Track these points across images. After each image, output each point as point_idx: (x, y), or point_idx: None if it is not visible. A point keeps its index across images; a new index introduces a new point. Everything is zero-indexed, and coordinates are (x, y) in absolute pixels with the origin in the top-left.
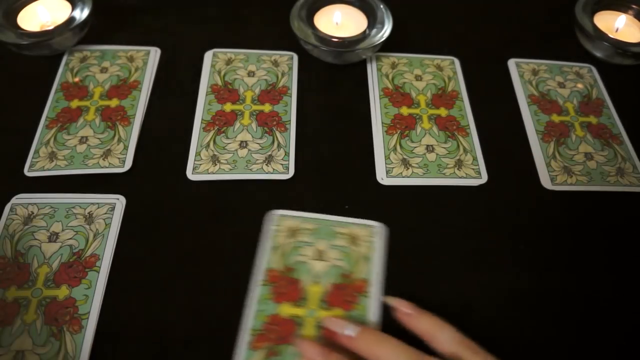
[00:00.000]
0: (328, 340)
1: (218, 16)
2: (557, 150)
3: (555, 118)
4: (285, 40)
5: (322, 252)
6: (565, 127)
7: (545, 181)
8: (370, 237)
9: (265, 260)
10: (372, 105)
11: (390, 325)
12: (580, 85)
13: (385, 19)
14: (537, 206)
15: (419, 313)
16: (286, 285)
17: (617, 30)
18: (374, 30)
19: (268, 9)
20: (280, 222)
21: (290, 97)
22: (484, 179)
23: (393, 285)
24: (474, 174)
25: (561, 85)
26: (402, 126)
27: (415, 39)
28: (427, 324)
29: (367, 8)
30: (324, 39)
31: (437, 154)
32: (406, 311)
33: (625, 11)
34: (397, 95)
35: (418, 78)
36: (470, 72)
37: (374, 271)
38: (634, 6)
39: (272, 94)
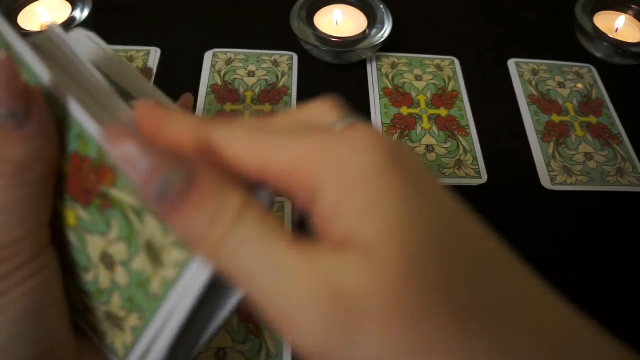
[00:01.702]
0: None
1: (218, 16)
2: (557, 150)
3: (555, 118)
4: (285, 40)
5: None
6: (565, 127)
7: (545, 181)
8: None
9: None
10: (372, 105)
11: None
12: (580, 85)
13: (385, 19)
14: (537, 206)
15: None
16: None
17: (617, 30)
18: (374, 30)
19: (268, 9)
20: None
21: (290, 97)
22: (484, 179)
23: None
24: (474, 174)
25: (561, 85)
26: (402, 126)
27: (415, 39)
28: None
29: (367, 8)
30: (324, 39)
31: (437, 154)
32: None
33: (625, 11)
34: (397, 95)
35: (418, 78)
36: (470, 72)
37: None
38: (634, 6)
39: (272, 94)
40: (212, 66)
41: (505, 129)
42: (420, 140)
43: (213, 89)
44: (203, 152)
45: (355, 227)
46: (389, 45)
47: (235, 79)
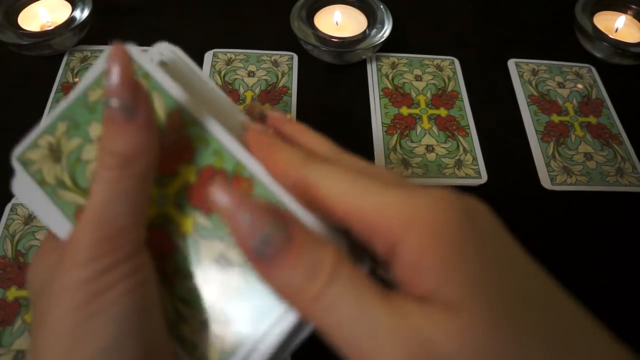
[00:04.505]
0: None
1: (218, 16)
2: (557, 150)
3: (555, 118)
4: (285, 40)
5: None
6: (565, 127)
7: (545, 181)
8: None
9: None
10: (372, 105)
11: None
12: (580, 86)
13: (385, 19)
14: (537, 206)
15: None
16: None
17: (616, 31)
18: (374, 30)
19: (268, 9)
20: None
21: (290, 97)
22: (484, 179)
23: None
24: (474, 174)
25: (561, 85)
26: (402, 126)
27: (415, 39)
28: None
29: (367, 8)
30: (324, 39)
31: (437, 154)
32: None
33: (625, 11)
34: (397, 95)
35: (418, 78)
36: (470, 72)
37: None
38: (633, 6)
39: (272, 94)
40: (212, 66)
41: (505, 129)
42: (420, 140)
43: None
44: (300, 187)
45: (437, 282)
46: (389, 45)
47: (235, 79)
